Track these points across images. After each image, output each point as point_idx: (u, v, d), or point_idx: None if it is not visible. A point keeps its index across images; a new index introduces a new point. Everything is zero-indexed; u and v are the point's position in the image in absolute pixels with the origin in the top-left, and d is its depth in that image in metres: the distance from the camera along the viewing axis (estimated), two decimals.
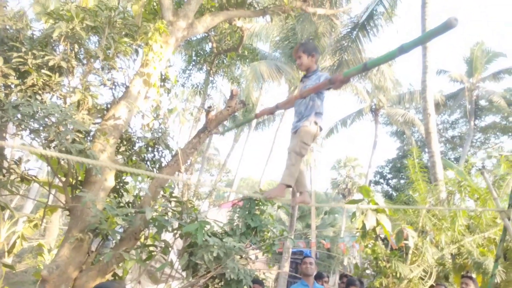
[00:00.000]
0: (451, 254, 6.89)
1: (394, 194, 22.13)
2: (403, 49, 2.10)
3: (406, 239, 6.50)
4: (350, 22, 14.30)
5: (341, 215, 32.43)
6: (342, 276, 6.53)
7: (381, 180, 26.32)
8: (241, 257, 5.25)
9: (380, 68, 18.10)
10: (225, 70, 11.30)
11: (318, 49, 3.50)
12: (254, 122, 24.14)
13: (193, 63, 11.51)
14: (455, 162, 22.69)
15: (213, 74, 11.03)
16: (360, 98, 23.73)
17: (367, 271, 7.47)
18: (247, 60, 11.70)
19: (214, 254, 4.63)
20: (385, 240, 7.66)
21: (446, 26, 1.85)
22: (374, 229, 6.88)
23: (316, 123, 3.28)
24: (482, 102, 25.33)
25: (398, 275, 6.24)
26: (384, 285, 6.45)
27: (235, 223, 5.63)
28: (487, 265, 5.99)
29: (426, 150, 10.87)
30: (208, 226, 4.96)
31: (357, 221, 6.97)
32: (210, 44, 10.57)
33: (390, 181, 26.05)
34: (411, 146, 22.20)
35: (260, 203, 5.81)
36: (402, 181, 23.52)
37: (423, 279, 6.48)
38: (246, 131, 26.54)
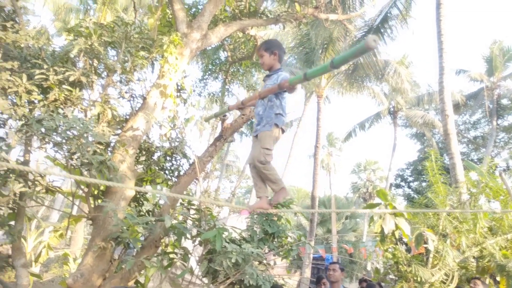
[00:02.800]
0: (474, 257, 6.77)
1: (416, 196, 21.77)
2: (333, 64, 2.24)
3: (426, 242, 6.42)
4: (365, 26, 14.26)
5: (362, 219, 32.06)
6: (361, 280, 6.50)
7: (402, 183, 25.94)
8: (260, 263, 5.31)
9: (397, 70, 17.95)
10: (240, 78, 11.41)
11: (281, 47, 3.30)
12: None
13: (209, 72, 11.67)
14: (478, 163, 22.20)
15: (228, 82, 11.15)
16: (378, 100, 23.52)
17: (390, 276, 7.40)
18: (262, 67, 11.79)
19: (233, 260, 4.70)
20: (406, 245, 7.59)
21: (364, 48, 1.96)
22: (393, 233, 6.82)
23: (276, 125, 3.10)
24: (504, 101, 24.75)
25: (419, 279, 6.16)
26: None
27: (253, 229, 5.69)
28: (511, 268, 5.87)
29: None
30: (226, 233, 5.04)
31: (375, 226, 6.93)
32: (225, 53, 10.73)
33: (411, 183, 25.65)
34: (432, 148, 21.86)
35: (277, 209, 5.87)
36: (423, 184, 23.13)
37: (444, 283, 6.38)
38: None
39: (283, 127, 3.16)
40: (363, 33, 14.42)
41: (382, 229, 6.59)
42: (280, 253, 5.58)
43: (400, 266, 6.66)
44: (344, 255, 15.86)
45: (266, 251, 5.61)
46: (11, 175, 4.58)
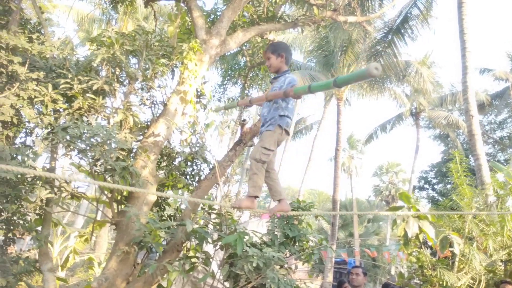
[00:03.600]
0: (501, 261, 6.58)
1: (441, 199, 21.31)
2: (336, 83, 2.31)
3: (452, 246, 6.28)
4: (384, 27, 14.10)
5: (385, 222, 31.56)
6: (385, 285, 6.39)
7: (426, 186, 25.41)
8: (281, 267, 5.30)
9: (419, 71, 17.65)
10: (259, 82, 11.45)
11: (288, 49, 3.26)
12: (291, 132, 24.14)
13: (228, 77, 11.76)
14: (505, 164, 21.55)
15: (248, 87, 11.20)
16: (399, 102, 23.17)
17: (415, 280, 7.26)
18: None
19: (254, 265, 4.71)
20: (431, 248, 7.44)
21: (366, 74, 2.02)
22: (417, 237, 6.69)
23: (280, 126, 3.02)
24: None
25: (444, 283, 6.03)
26: None
27: (274, 233, 5.69)
28: None
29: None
30: (247, 237, 5.05)
31: (398, 229, 6.82)
32: (243, 58, 10.79)
33: (435, 186, 25.10)
34: (456, 149, 21.37)
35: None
36: (448, 186, 22.61)
37: (471, 287, 6.22)
38: (284, 141, 26.60)
39: (287, 129, 3.08)
40: (383, 34, 14.26)
41: (406, 233, 6.48)
42: (302, 257, 5.56)
43: (425, 270, 6.53)
44: (367, 259, 15.64)
45: (287, 255, 5.60)
46: (38, 181, 4.73)
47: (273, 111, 3.07)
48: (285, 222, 5.69)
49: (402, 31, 13.74)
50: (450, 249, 6.35)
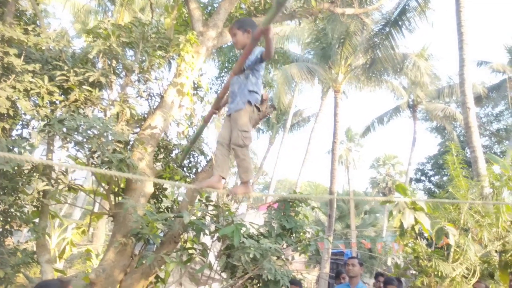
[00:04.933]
0: (496, 251, 6.65)
1: (437, 191, 21.45)
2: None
3: (447, 236, 6.34)
4: (382, 19, 14.06)
5: (382, 214, 31.75)
6: (377, 274, 6.43)
7: (423, 178, 25.55)
8: (278, 258, 5.34)
9: (416, 63, 17.63)
10: None
11: (255, 25, 3.06)
12: (288, 123, 24.15)
13: (226, 69, 11.75)
14: (501, 156, 21.67)
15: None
16: (397, 94, 23.16)
17: (411, 271, 7.33)
18: (278, 64, 11.79)
19: (251, 256, 4.75)
20: (427, 239, 7.50)
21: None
22: (413, 228, 6.75)
23: (250, 102, 2.93)
24: None
25: (440, 274, 6.09)
26: (425, 284, 6.32)
27: (271, 225, 5.73)
28: None
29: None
30: (244, 228, 5.09)
31: (394, 220, 6.87)
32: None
33: (432, 178, 25.25)
34: (453, 141, 21.45)
35: (294, 205, 5.89)
36: (445, 178, 22.75)
37: (466, 278, 6.29)
38: (281, 133, 26.60)
39: (258, 105, 3.02)
40: (381, 26, 14.23)
41: (402, 224, 6.53)
42: (298, 248, 5.60)
43: (420, 261, 6.59)
44: (363, 250, 15.76)
45: (284, 246, 5.64)
46: (34, 173, 4.73)
47: (243, 86, 2.99)
48: (282, 214, 5.73)
49: (400, 23, 13.71)
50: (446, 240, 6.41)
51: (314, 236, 6.05)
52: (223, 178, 2.99)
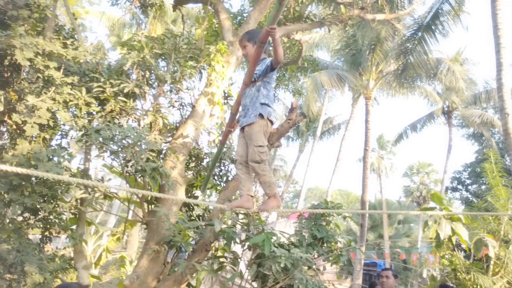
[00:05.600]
0: None
1: (475, 200, 20.64)
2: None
3: (487, 248, 6.07)
4: (414, 24, 13.77)
5: (416, 224, 30.81)
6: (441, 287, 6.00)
7: (459, 186, 24.63)
8: (309, 268, 5.28)
9: (451, 68, 17.13)
10: (286, 83, 11.44)
11: None
12: (318, 131, 23.95)
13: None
14: None
15: (274, 88, 11.22)
16: (431, 100, 22.54)
17: (449, 284, 7.06)
18: (308, 72, 11.75)
19: (282, 265, 4.71)
20: (465, 251, 7.21)
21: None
22: (450, 239, 6.51)
23: (262, 115, 2.86)
24: None
25: (479, 287, 5.84)
26: None
27: (302, 234, 5.67)
28: None
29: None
30: (274, 237, 5.06)
31: (430, 231, 6.65)
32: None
33: (469, 187, 24.29)
34: (491, 148, 20.62)
35: (326, 214, 5.81)
36: (483, 187, 21.85)
37: None
38: (311, 141, 26.42)
39: (271, 118, 2.94)
40: (413, 31, 13.94)
41: (438, 235, 6.31)
42: (330, 258, 5.51)
43: (458, 274, 6.34)
44: (397, 261, 15.32)
45: (315, 256, 5.57)
46: (73, 182, 4.90)
47: (255, 99, 2.93)
48: (313, 223, 5.66)
49: (433, 27, 13.37)
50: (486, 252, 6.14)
51: (346, 246, 5.94)
52: (251, 196, 2.94)
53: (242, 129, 3.00)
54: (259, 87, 2.95)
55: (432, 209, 6.88)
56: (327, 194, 21.21)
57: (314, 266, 5.39)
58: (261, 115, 2.87)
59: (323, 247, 5.58)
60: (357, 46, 15.52)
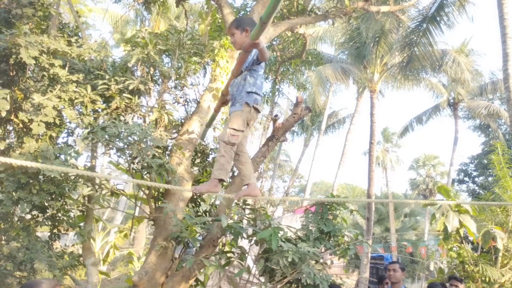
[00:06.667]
0: None
1: (482, 192, 20.52)
2: (262, 20, 2.19)
3: (495, 240, 6.04)
4: (419, 15, 13.65)
5: (423, 217, 30.72)
6: (450, 278, 5.88)
7: (466, 178, 24.47)
8: (316, 262, 5.28)
9: (456, 59, 16.99)
10: (290, 77, 11.41)
11: (254, 23, 2.89)
12: (323, 125, 23.89)
13: None
14: None
15: (278, 82, 11.19)
16: (436, 92, 22.38)
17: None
18: (312, 65, 11.71)
19: (289, 260, 4.72)
20: (472, 243, 7.19)
21: None
22: (457, 231, 6.48)
23: (248, 104, 2.86)
24: None
25: (487, 279, 5.82)
26: None
27: (309, 228, 5.67)
28: None
29: None
30: (281, 232, 5.07)
31: (437, 223, 6.63)
32: (274, 53, 10.77)
33: (476, 179, 24.14)
34: (498, 140, 20.47)
35: (332, 208, 5.80)
36: (490, 179, 21.71)
37: None
38: (316, 135, 26.35)
39: (257, 106, 2.94)
40: (417, 23, 13.81)
41: (445, 227, 6.29)
42: (337, 252, 5.51)
43: (466, 266, 6.32)
44: (404, 254, 15.30)
45: (323, 250, 5.57)
46: (80, 179, 4.93)
47: (241, 88, 2.94)
48: (319, 217, 5.66)
49: (438, 18, 13.25)
50: (493, 244, 6.11)
51: (353, 240, 5.94)
52: (222, 180, 2.92)
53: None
54: (245, 76, 2.96)
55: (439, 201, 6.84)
56: (333, 188, 21.19)
57: (321, 260, 5.40)
58: (247, 103, 2.88)
59: (330, 241, 5.58)
60: (361, 39, 15.44)
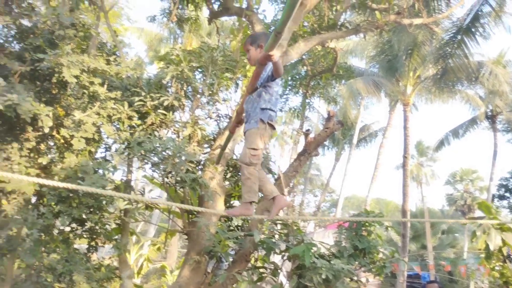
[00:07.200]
0: None
1: None
2: (276, 30, 2.14)
3: None
4: (453, 26, 13.33)
5: (462, 234, 29.46)
6: None
7: (507, 194, 23.37)
8: (351, 279, 5.16)
9: (493, 71, 16.43)
10: (321, 91, 11.37)
11: (268, 39, 2.73)
12: (354, 139, 23.54)
13: (289, 87, 11.81)
14: None
15: (309, 96, 11.17)
16: (473, 105, 21.66)
17: None
18: (343, 79, 11.64)
19: (323, 276, 4.64)
20: None
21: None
22: (500, 250, 6.18)
23: (262, 121, 2.81)
24: None
25: None
26: None
27: (342, 245, 5.56)
28: None
29: None
30: (314, 248, 4.99)
31: (478, 241, 6.34)
32: (304, 67, 10.79)
33: None
34: None
35: (366, 224, 5.68)
36: None
37: None
38: (347, 149, 25.99)
39: (271, 123, 2.88)
40: (452, 35, 13.49)
41: (487, 245, 6.00)
42: (372, 269, 5.36)
43: (510, 287, 5.99)
44: (442, 273, 14.68)
45: (357, 267, 5.44)
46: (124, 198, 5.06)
47: (256, 105, 2.90)
48: (353, 233, 5.54)
49: (473, 30, 12.89)
50: None
51: (389, 257, 5.76)
52: (253, 202, 2.85)
53: (244, 134, 2.97)
54: (260, 93, 2.93)
55: (480, 218, 6.56)
56: (366, 203, 20.73)
57: (356, 278, 5.27)
58: (261, 120, 2.84)
59: (365, 258, 5.44)
60: (393, 52, 15.21)
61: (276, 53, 2.50)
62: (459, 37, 13.26)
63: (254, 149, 2.78)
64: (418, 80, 16.28)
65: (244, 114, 3.20)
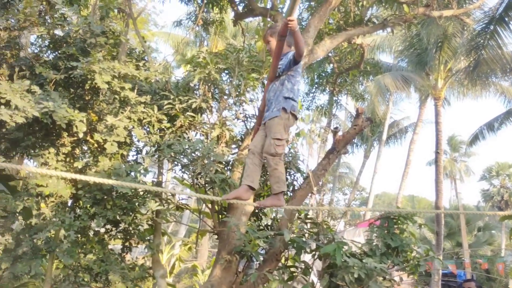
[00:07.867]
0: None
1: None
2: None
3: None
4: (485, 17, 12.87)
5: (499, 231, 28.46)
6: None
7: None
8: (384, 278, 5.08)
9: None
10: (348, 88, 11.23)
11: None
12: (384, 136, 23.12)
13: (316, 85, 11.73)
14: None
15: (336, 93, 11.06)
16: (508, 97, 20.84)
17: None
18: (370, 75, 11.46)
19: (355, 275, 4.58)
20: None
21: None
22: None
23: (285, 110, 2.81)
24: None
25: None
26: None
27: (374, 243, 5.48)
28: None
29: None
30: (346, 247, 4.95)
31: None
32: (331, 65, 10.69)
33: None
34: None
35: (399, 222, 5.57)
36: None
37: None
38: (376, 146, 25.55)
39: (294, 113, 2.87)
40: (484, 25, 13.01)
41: None
42: (406, 268, 5.26)
43: None
44: (479, 271, 14.22)
45: (390, 266, 5.35)
46: (149, 195, 5.19)
47: (278, 93, 2.89)
48: (385, 232, 5.45)
49: (506, 19, 12.38)
50: None
51: (423, 256, 5.63)
52: (252, 188, 2.87)
53: (265, 123, 2.98)
54: (283, 81, 2.93)
55: None
56: (397, 200, 20.34)
57: (389, 277, 5.18)
58: (284, 109, 2.84)
59: (398, 257, 5.34)
60: (422, 45, 14.85)
61: (296, 21, 2.47)
62: (491, 27, 12.77)
63: (278, 139, 2.78)
64: (449, 73, 15.82)
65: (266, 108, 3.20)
